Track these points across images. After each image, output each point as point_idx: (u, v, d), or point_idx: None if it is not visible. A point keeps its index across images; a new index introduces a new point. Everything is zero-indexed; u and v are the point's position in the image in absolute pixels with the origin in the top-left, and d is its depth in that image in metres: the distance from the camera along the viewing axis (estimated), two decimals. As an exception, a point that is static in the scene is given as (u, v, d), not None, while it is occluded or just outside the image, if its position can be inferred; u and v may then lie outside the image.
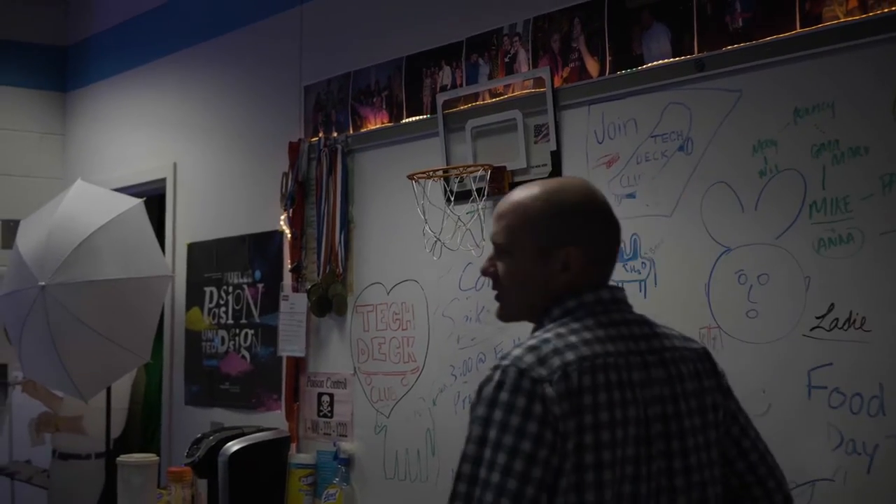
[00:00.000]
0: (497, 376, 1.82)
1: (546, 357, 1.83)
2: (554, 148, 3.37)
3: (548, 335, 1.88)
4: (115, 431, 5.24)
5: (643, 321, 2.01)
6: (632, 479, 1.84)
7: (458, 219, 3.56)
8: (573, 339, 1.87)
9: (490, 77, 3.60)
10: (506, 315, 2.05)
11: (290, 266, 4.35)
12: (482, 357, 3.57)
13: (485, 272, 2.04)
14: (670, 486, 1.88)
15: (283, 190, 4.35)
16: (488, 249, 3.46)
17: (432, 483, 3.72)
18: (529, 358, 1.83)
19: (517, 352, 1.85)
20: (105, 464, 5.15)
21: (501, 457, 1.78)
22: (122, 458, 4.52)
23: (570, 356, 1.83)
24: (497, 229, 2.00)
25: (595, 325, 1.91)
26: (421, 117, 3.85)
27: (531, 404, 1.79)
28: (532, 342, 1.86)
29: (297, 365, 4.34)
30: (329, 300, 4.14)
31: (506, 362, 1.84)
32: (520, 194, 1.99)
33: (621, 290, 2.02)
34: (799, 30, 2.78)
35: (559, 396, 1.79)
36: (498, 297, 2.04)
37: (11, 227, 5.59)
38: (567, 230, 1.93)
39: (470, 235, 3.54)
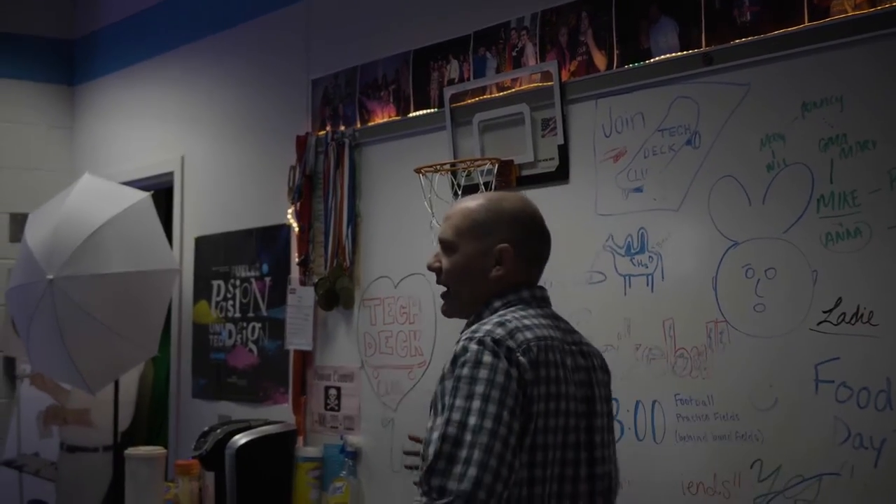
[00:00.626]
0: (474, 346, 2.09)
1: (513, 332, 2.13)
2: (561, 142, 3.37)
3: (506, 317, 2.17)
4: (123, 424, 5.25)
5: (563, 318, 2.36)
6: (562, 447, 2.16)
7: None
8: (527, 321, 2.18)
9: (497, 71, 3.60)
10: (449, 309, 2.36)
11: (297, 259, 4.35)
12: (489, 351, 3.57)
13: (430, 267, 2.37)
14: (590, 457, 2.23)
15: (291, 183, 4.35)
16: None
17: (439, 476, 3.72)
18: (500, 331, 2.12)
19: (487, 327, 2.13)
20: (113, 456, 5.17)
21: (491, 407, 2.03)
22: (130, 450, 4.54)
23: (528, 334, 2.15)
24: (444, 228, 2.32)
25: (536, 315, 2.23)
26: (428, 111, 3.84)
27: (510, 367, 2.08)
28: (496, 320, 2.16)
29: (305, 358, 4.35)
30: (336, 294, 4.15)
31: (479, 335, 2.12)
32: (466, 200, 2.35)
33: (546, 290, 2.35)
34: (807, 23, 2.78)
35: (529, 364, 2.10)
36: (444, 295, 2.35)
37: (19, 220, 5.60)
38: (502, 231, 2.27)
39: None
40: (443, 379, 2.13)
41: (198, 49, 5.25)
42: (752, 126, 2.88)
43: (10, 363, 6.04)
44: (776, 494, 2.76)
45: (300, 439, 4.25)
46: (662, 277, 3.07)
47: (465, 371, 2.07)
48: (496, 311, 2.24)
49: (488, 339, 2.09)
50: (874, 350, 2.61)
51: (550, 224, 3.38)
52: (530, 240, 2.32)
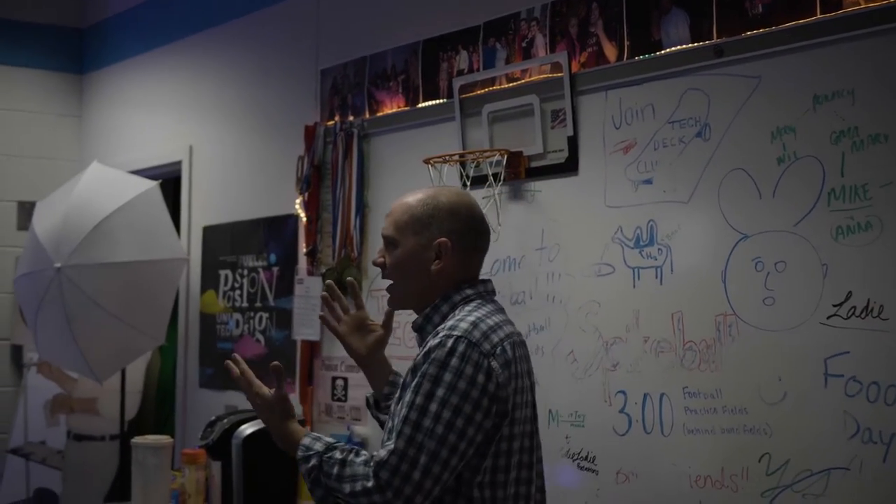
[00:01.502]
0: (449, 344, 2.17)
1: (487, 333, 2.22)
2: (571, 133, 3.36)
3: (477, 315, 2.25)
4: (130, 413, 5.26)
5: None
6: (529, 435, 2.31)
7: (481, 199, 3.53)
8: (496, 318, 2.28)
9: (507, 62, 3.59)
10: (395, 301, 2.41)
11: (305, 250, 4.35)
12: (497, 342, 3.56)
13: (375, 262, 2.41)
14: (535, 444, 2.37)
15: (299, 174, 4.35)
16: (505, 233, 3.47)
17: (446, 468, 3.72)
18: (476, 333, 2.20)
19: (463, 325, 2.21)
20: (119, 445, 5.17)
21: (447, 413, 2.14)
22: (137, 439, 4.53)
23: (501, 333, 2.25)
24: (386, 224, 2.37)
25: (495, 311, 2.32)
26: (437, 101, 3.83)
27: (476, 373, 2.16)
28: (471, 319, 2.23)
29: (312, 348, 4.35)
30: (344, 284, 4.13)
31: (457, 333, 2.19)
32: (406, 196, 2.38)
33: (492, 282, 2.42)
34: (819, 15, 2.76)
35: (501, 366, 2.20)
36: (389, 288, 2.39)
37: (28, 208, 5.60)
38: (441, 225, 2.32)
39: (492, 218, 3.53)
40: (415, 369, 2.20)
41: (207, 38, 5.24)
42: (763, 118, 2.86)
43: (18, 351, 6.06)
44: (784, 488, 2.75)
45: (307, 429, 4.25)
46: (671, 270, 3.06)
47: (432, 371, 2.17)
48: (456, 305, 2.32)
49: (462, 343, 2.18)
50: (884, 344, 2.60)
51: (560, 215, 3.39)
52: (468, 233, 2.35)
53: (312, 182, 4.28)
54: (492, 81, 3.62)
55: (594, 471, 3.23)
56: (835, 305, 2.69)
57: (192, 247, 5.20)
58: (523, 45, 3.54)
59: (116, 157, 5.77)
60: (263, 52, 4.83)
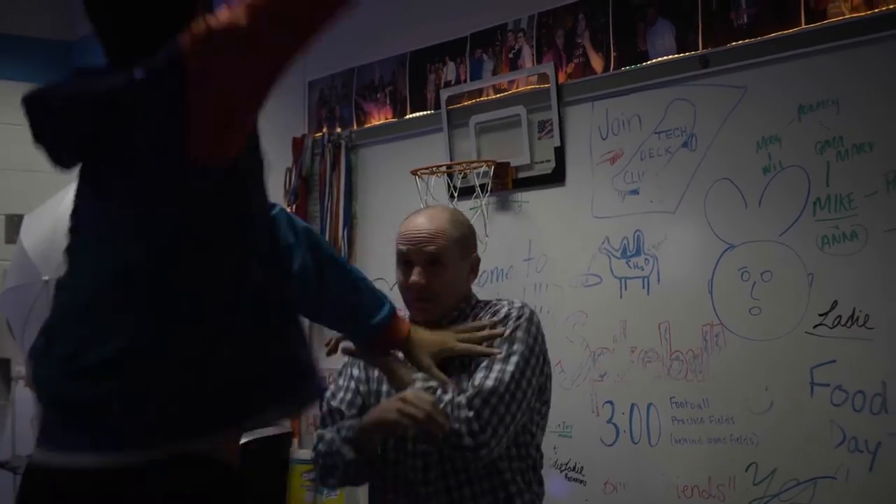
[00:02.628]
0: (527, 312, 2.34)
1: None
2: (558, 144, 3.36)
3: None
4: (118, 426, 5.23)
5: None
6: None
7: (469, 210, 3.53)
8: None
9: (494, 73, 3.59)
10: (431, 316, 2.36)
11: (293, 261, 4.34)
12: (485, 353, 3.56)
13: (417, 285, 2.35)
14: None
15: (287, 185, 4.34)
16: (492, 244, 3.46)
17: (434, 479, 3.72)
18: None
19: (519, 302, 2.37)
20: (108, 458, 5.14)
21: (528, 373, 2.26)
22: (125, 452, 4.52)
23: None
24: (434, 248, 2.36)
25: None
26: (425, 113, 3.84)
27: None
28: (516, 301, 2.38)
29: (300, 360, 4.33)
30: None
31: (525, 305, 2.36)
32: (438, 218, 2.40)
33: None
34: (804, 26, 2.77)
35: None
36: (428, 305, 2.37)
37: (15, 221, 5.58)
38: (473, 242, 2.43)
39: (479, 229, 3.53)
40: (506, 321, 2.31)
41: (195, 51, 5.24)
42: (749, 128, 2.87)
43: (6, 365, 6.02)
44: (771, 498, 2.75)
45: (295, 441, 4.24)
46: (658, 280, 3.07)
47: (534, 331, 2.31)
48: (471, 302, 2.44)
49: (530, 310, 2.35)
50: (870, 353, 2.60)
51: (547, 226, 3.39)
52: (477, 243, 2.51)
53: (300, 193, 4.28)
54: (479, 92, 3.63)
55: (582, 481, 3.23)
56: (821, 315, 2.69)
57: (180, 259, 5.18)
58: (510, 56, 3.54)
59: (105, 169, 5.75)
60: (251, 64, 4.83)
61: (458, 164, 3.59)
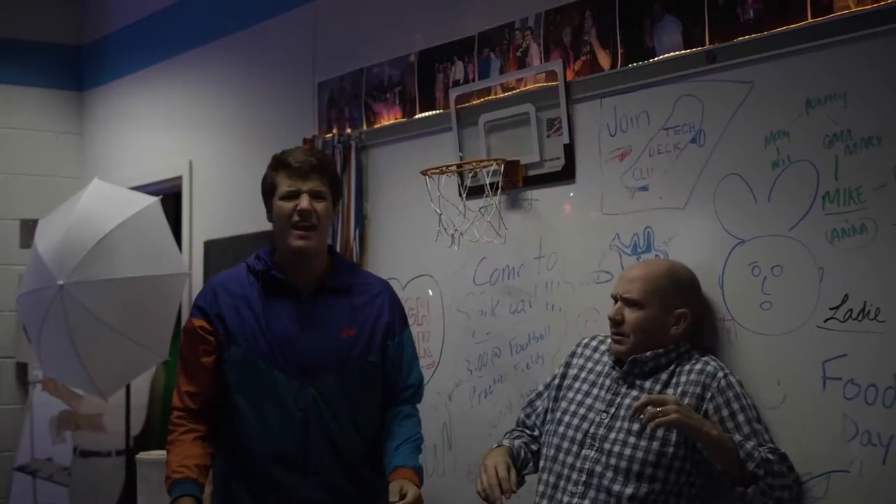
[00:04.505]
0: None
1: None
2: (567, 141, 3.37)
3: None
4: (135, 429, 5.27)
5: None
6: None
7: (479, 210, 3.56)
8: None
9: (502, 71, 3.60)
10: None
11: (305, 262, 4.35)
12: (497, 351, 3.57)
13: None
14: None
15: (298, 186, 4.35)
16: (511, 241, 3.47)
17: (449, 477, 3.73)
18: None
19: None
20: (125, 461, 5.18)
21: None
22: (142, 454, 4.56)
23: None
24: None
25: None
26: (434, 112, 3.85)
27: None
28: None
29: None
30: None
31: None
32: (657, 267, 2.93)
33: None
34: (810, 20, 2.77)
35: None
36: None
37: (30, 226, 5.62)
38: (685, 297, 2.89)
39: (490, 227, 3.54)
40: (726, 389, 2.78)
41: (205, 54, 5.26)
42: (757, 124, 2.87)
43: (23, 369, 6.07)
44: (785, 492, 2.76)
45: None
46: (669, 276, 3.06)
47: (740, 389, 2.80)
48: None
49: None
50: (882, 346, 2.60)
51: (557, 223, 3.40)
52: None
53: (312, 195, 4.29)
54: (487, 91, 3.64)
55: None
56: (831, 308, 2.70)
57: (193, 261, 5.22)
58: (518, 54, 3.55)
59: (117, 173, 5.79)
60: (261, 66, 4.85)
61: (468, 162, 3.60)
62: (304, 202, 2.89)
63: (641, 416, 2.59)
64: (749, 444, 2.65)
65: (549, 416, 2.99)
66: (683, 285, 2.88)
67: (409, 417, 3.01)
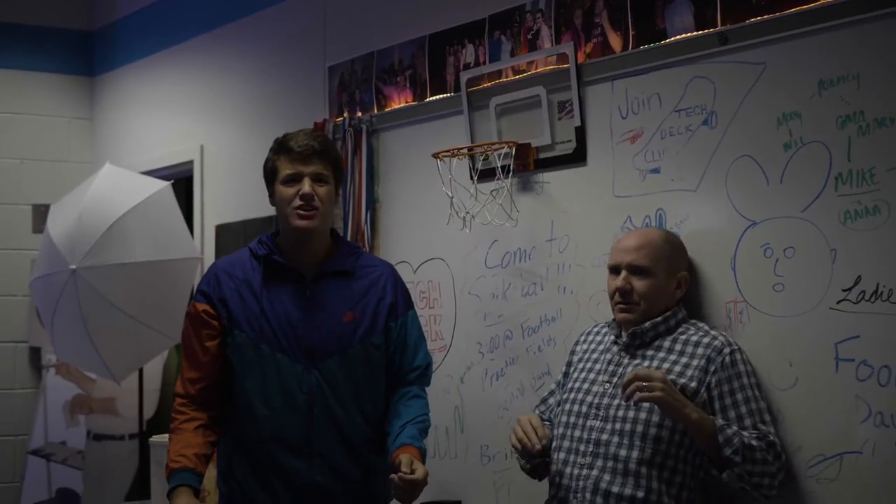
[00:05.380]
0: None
1: None
2: (578, 124, 3.37)
3: None
4: (148, 412, 5.30)
5: None
6: None
7: (490, 192, 3.57)
8: None
9: (513, 54, 3.60)
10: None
11: (317, 246, 4.36)
12: (509, 334, 3.58)
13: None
14: None
15: (309, 170, 4.36)
16: (522, 224, 3.47)
17: (461, 459, 3.74)
18: None
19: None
20: (139, 444, 5.21)
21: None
22: (155, 438, 4.57)
23: None
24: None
25: None
26: (445, 95, 3.85)
27: None
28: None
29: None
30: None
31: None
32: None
33: None
34: (822, 0, 2.76)
35: None
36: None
37: (42, 211, 5.64)
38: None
39: (502, 210, 3.54)
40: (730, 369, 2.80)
41: (215, 38, 5.26)
42: (769, 105, 2.87)
43: (36, 353, 6.10)
44: (797, 474, 2.76)
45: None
46: (681, 258, 3.06)
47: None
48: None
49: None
50: (894, 327, 2.60)
51: (569, 206, 3.40)
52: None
53: (323, 178, 4.29)
54: (498, 74, 3.63)
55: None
56: (844, 290, 2.69)
57: (205, 245, 5.23)
58: (529, 37, 3.54)
59: (128, 158, 5.80)
60: (271, 49, 4.85)
61: (479, 145, 3.60)
62: (306, 186, 2.90)
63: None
64: (730, 430, 2.66)
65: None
66: (680, 249, 2.97)
67: (417, 398, 3.01)
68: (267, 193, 3.03)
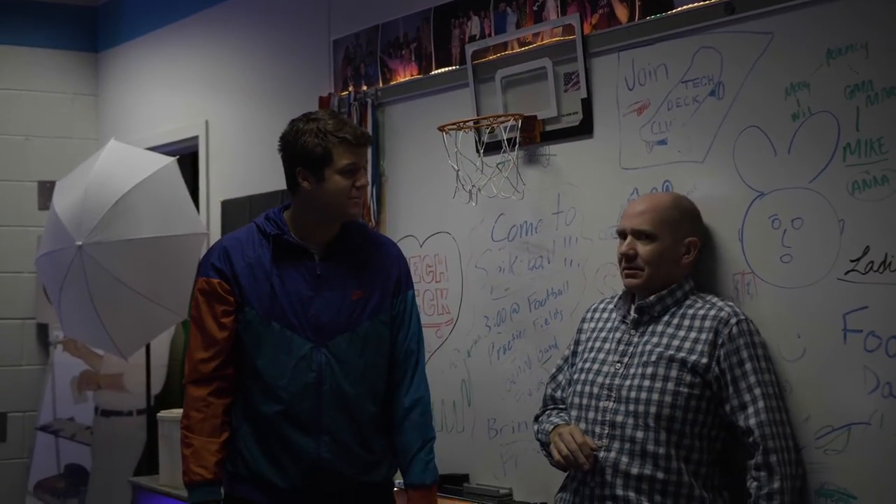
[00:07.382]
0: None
1: None
2: (584, 96, 3.35)
3: None
4: (156, 388, 5.31)
5: None
6: None
7: (496, 165, 3.55)
8: None
9: (518, 26, 3.58)
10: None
11: (323, 221, 4.35)
12: (516, 307, 3.57)
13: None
14: None
15: (315, 145, 4.34)
16: (529, 197, 3.46)
17: (468, 433, 3.75)
18: None
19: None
20: (147, 419, 5.22)
21: None
22: (163, 413, 4.59)
23: None
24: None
25: None
26: (450, 68, 3.83)
27: None
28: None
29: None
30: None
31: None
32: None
33: None
34: (831, -31, 2.74)
35: None
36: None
37: (48, 188, 5.64)
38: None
39: (508, 183, 3.53)
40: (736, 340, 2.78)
41: (219, 13, 5.24)
42: (777, 75, 2.85)
43: (44, 330, 6.11)
44: (805, 445, 2.75)
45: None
46: (688, 230, 3.05)
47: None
48: None
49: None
50: (903, 298, 2.59)
51: (576, 178, 3.39)
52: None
53: (328, 153, 4.28)
54: (504, 46, 3.61)
55: (616, 432, 3.24)
56: (852, 261, 2.68)
57: (210, 221, 5.22)
58: (534, 8, 3.52)
59: (133, 134, 5.79)
60: (276, 24, 4.83)
61: (485, 118, 3.58)
62: (364, 178, 2.98)
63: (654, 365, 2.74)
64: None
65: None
66: (690, 214, 2.93)
67: (417, 407, 3.04)
68: (277, 168, 3.03)
